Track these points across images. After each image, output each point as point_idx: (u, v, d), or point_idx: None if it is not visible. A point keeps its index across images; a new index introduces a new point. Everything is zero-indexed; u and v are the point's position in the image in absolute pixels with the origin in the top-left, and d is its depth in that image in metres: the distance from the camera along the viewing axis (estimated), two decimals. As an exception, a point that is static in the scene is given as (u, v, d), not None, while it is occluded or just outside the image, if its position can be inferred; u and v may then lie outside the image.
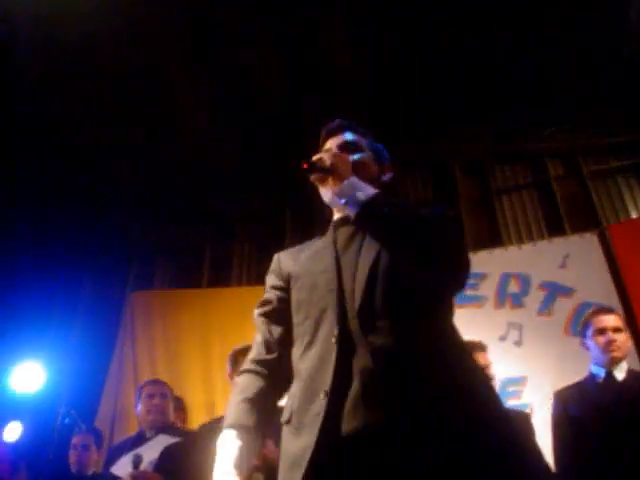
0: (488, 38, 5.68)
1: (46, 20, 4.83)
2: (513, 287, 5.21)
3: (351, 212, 1.67)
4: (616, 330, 3.25)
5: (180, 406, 4.31)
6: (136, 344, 5.71)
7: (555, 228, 5.82)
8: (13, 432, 5.09)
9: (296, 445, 1.54)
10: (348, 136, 2.00)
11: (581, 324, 3.54)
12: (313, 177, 1.76)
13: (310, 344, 1.66)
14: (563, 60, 6.00)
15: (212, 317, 5.68)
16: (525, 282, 5.19)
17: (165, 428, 3.55)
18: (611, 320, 3.30)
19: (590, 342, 3.31)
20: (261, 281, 6.39)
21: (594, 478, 2.94)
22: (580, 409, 3.13)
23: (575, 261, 5.13)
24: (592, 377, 3.25)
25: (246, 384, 1.75)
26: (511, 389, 4.78)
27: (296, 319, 1.75)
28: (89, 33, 5.06)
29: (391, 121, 6.28)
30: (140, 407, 3.65)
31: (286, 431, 1.58)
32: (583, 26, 5.62)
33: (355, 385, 1.50)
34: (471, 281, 5.31)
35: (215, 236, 6.93)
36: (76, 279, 6.73)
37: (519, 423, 3.19)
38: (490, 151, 6.58)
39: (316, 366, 1.61)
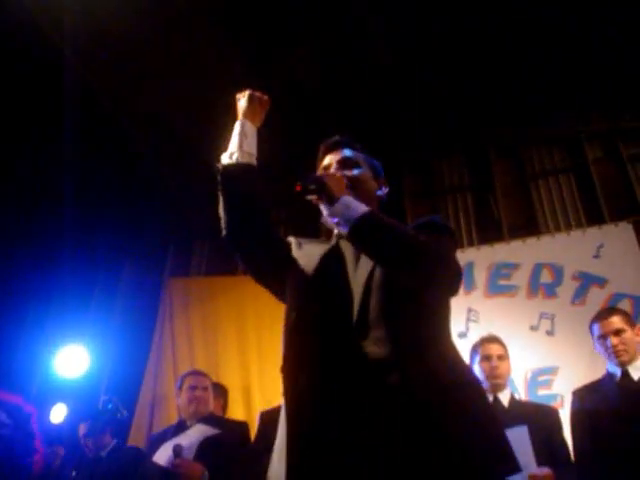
0: (523, 16, 5.58)
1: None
2: (546, 277, 5.18)
3: (343, 231, 1.71)
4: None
5: (221, 393, 4.43)
6: (174, 330, 5.87)
7: (592, 214, 5.73)
8: (59, 414, 5.33)
9: None
10: (347, 152, 2.08)
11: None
12: (307, 198, 1.82)
13: None
14: (604, 39, 5.88)
15: (247, 304, 5.78)
16: (558, 272, 5.16)
17: (205, 418, 3.69)
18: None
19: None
20: None
21: (610, 474, 2.98)
22: (597, 408, 3.17)
23: (609, 251, 5.07)
24: (609, 376, 3.29)
25: None
26: (542, 379, 4.79)
27: None
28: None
29: (425, 103, 6.26)
30: (181, 397, 3.78)
31: None
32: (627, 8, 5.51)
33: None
34: (504, 271, 5.33)
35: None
36: (116, 264, 6.91)
37: (546, 418, 3.27)
38: (526, 133, 6.50)
39: None
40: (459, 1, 5.28)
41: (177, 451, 3.26)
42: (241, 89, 2.12)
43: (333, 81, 5.97)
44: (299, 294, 1.83)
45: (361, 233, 1.66)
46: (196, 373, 3.97)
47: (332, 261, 1.84)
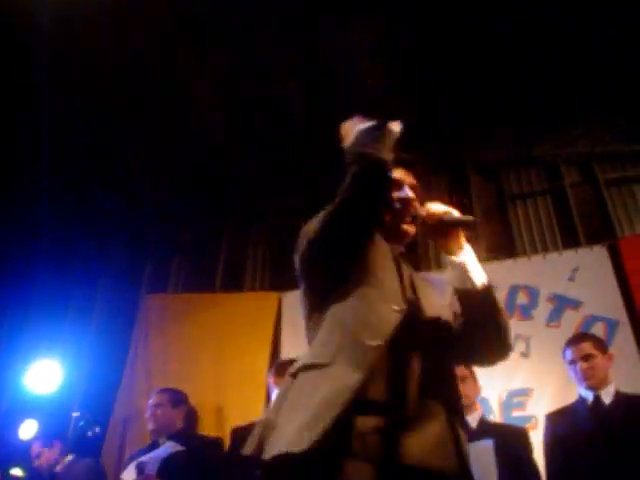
0: (505, 38, 5.65)
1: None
2: (522, 299, 5.21)
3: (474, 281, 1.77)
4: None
5: (190, 414, 4.40)
6: (150, 347, 5.80)
7: (568, 237, 5.79)
8: (28, 430, 5.24)
9: None
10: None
11: None
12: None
13: None
14: (583, 67, 5.98)
15: (225, 322, 5.74)
16: (534, 294, 5.19)
17: (174, 435, 3.66)
18: None
19: None
20: (274, 286, 6.44)
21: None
22: (569, 432, 3.22)
23: (584, 274, 5.11)
24: (581, 400, 3.33)
25: None
26: (516, 400, 4.80)
27: None
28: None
29: (408, 123, 6.31)
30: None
31: None
32: (605, 37, 5.61)
33: None
34: (479, 291, 5.34)
35: (230, 239, 7.00)
36: (93, 279, 6.85)
37: (515, 439, 3.28)
38: (506, 155, 6.56)
39: None
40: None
41: (140, 469, 3.26)
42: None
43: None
44: (388, 291, 1.74)
45: (492, 296, 1.78)
46: (158, 391, 3.97)
47: (406, 276, 1.86)
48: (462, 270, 1.77)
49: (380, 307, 1.66)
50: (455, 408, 1.64)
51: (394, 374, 1.56)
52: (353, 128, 1.79)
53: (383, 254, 1.82)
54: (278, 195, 6.96)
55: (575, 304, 5.02)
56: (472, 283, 1.75)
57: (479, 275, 1.77)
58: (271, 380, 3.72)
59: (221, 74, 5.80)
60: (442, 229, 1.82)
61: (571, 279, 5.16)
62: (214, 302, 6.05)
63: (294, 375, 1.62)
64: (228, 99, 6.04)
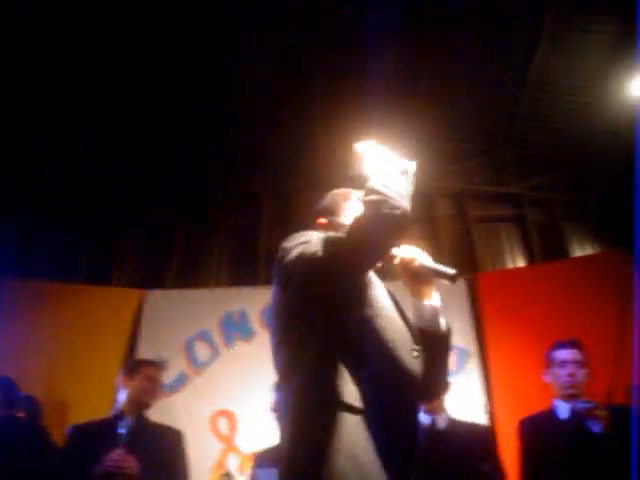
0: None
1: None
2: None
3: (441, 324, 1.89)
4: None
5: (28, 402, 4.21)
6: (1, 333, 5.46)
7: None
8: None
9: None
10: None
11: None
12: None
13: None
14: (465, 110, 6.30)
15: (82, 315, 5.49)
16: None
17: None
18: None
19: None
20: (144, 284, 6.13)
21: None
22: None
23: (442, 303, 5.25)
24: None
25: None
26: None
27: None
28: None
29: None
30: None
31: None
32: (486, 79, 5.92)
33: None
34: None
35: (100, 230, 6.74)
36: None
37: (482, 436, 3.49)
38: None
39: None
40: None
41: None
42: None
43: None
44: (388, 321, 1.76)
45: (450, 339, 1.91)
46: None
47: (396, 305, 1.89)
48: (431, 313, 1.88)
49: (402, 353, 1.72)
50: None
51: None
52: (370, 157, 1.79)
53: (376, 284, 1.85)
54: (152, 193, 6.82)
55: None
56: (438, 325, 1.87)
57: (443, 319, 1.89)
58: (120, 380, 3.60)
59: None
60: (417, 275, 1.89)
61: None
62: (74, 294, 5.76)
63: (299, 406, 1.59)
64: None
